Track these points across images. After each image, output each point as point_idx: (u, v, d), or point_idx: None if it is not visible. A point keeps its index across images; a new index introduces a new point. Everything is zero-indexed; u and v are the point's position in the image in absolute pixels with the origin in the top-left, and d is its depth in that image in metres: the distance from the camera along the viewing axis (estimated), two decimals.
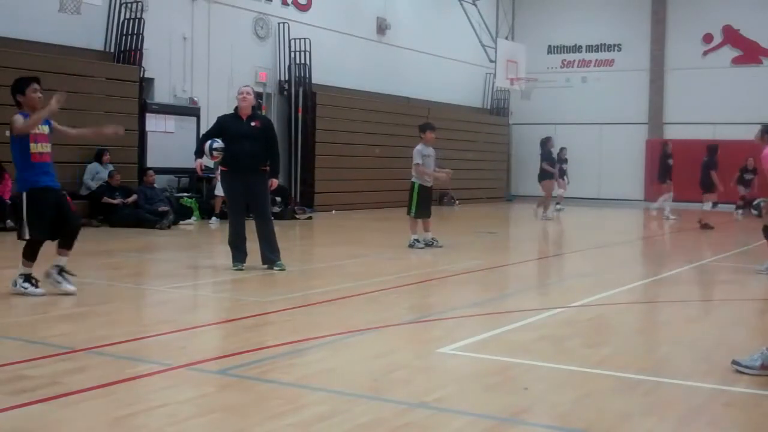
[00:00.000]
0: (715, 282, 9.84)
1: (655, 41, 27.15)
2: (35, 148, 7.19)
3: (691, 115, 26.24)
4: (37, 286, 7.28)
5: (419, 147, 11.98)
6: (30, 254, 7.31)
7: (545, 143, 19.28)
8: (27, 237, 7.26)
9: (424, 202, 11.91)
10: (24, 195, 7.24)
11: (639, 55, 27.37)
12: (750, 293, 8.95)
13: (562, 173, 21.63)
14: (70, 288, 7.31)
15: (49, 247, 7.49)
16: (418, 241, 11.78)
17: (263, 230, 9.20)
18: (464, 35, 25.14)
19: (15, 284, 7.29)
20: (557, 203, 21.18)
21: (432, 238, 11.95)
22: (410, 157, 24.23)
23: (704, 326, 6.94)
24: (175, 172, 16.91)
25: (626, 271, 11.17)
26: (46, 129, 7.35)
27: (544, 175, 19.00)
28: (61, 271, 7.35)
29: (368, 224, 17.23)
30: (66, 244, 7.39)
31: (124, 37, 15.67)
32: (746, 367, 5.06)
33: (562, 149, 21.95)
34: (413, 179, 11.96)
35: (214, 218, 15.64)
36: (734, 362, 5.15)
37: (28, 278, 7.29)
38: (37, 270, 7.35)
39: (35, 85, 7.34)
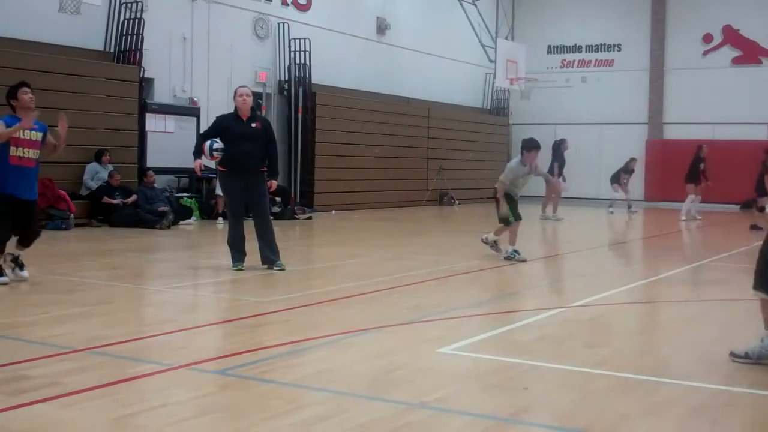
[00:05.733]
0: (715, 282, 9.83)
1: (655, 41, 27.15)
2: (15, 151, 7.56)
3: (691, 115, 26.24)
4: (2, 273, 7.72)
5: (514, 164, 10.73)
6: None
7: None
8: None
9: (514, 204, 10.77)
10: None
11: (639, 55, 27.37)
12: (750, 293, 8.93)
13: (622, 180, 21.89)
14: (23, 274, 7.82)
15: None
16: (517, 252, 10.63)
17: (263, 230, 9.20)
18: (464, 35, 25.14)
19: None
20: (629, 206, 21.47)
21: (514, 250, 10.72)
22: (410, 157, 24.40)
23: (704, 326, 6.94)
24: (175, 172, 16.90)
25: (626, 271, 11.18)
26: (36, 135, 7.70)
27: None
28: (15, 259, 7.81)
29: (368, 224, 17.23)
30: (23, 243, 7.89)
31: (124, 37, 15.67)
32: (748, 358, 5.30)
33: (632, 160, 21.99)
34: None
35: (220, 218, 15.58)
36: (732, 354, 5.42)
37: None
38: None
39: (25, 88, 7.77)
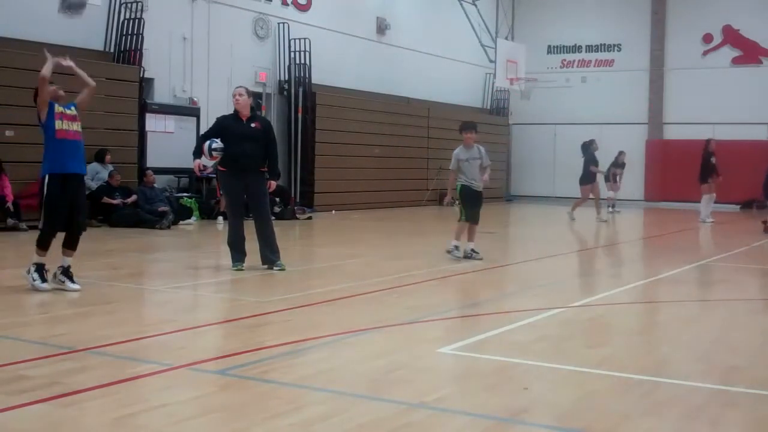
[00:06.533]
0: (715, 282, 9.84)
1: (655, 41, 27.15)
2: (60, 125, 7.54)
3: (691, 115, 26.24)
4: (45, 279, 7.50)
5: (457, 150, 10.82)
6: (43, 244, 7.55)
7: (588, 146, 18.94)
8: (41, 227, 7.53)
9: (471, 203, 10.65)
10: (46, 179, 7.51)
11: (639, 55, 27.37)
12: (750, 293, 8.95)
13: (615, 176, 21.62)
14: (75, 287, 7.53)
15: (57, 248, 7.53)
16: (457, 248, 10.56)
17: (263, 231, 9.20)
18: (464, 35, 25.15)
19: (28, 272, 7.55)
20: (612, 205, 21.24)
21: (472, 250, 10.64)
22: (410, 157, 24.41)
23: (704, 326, 6.94)
24: (175, 172, 16.90)
25: (626, 271, 11.17)
26: (72, 111, 7.71)
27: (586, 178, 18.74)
28: (65, 271, 7.58)
29: (368, 224, 17.23)
30: (69, 243, 7.65)
31: (124, 37, 15.67)
32: None
33: (621, 153, 21.88)
34: (458, 181, 10.83)
35: (220, 218, 15.58)
36: None
37: (39, 269, 7.52)
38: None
39: (53, 84, 7.76)
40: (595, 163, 18.86)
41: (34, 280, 7.48)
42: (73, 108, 7.72)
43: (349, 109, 20.84)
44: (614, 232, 17.31)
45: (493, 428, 4.03)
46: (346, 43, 21.57)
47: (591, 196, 18.74)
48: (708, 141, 19.11)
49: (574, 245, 14.55)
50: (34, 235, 7.78)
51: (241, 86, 9.46)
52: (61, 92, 7.69)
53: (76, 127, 7.65)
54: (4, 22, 13.92)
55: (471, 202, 10.65)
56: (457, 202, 11.11)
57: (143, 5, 15.69)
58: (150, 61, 16.16)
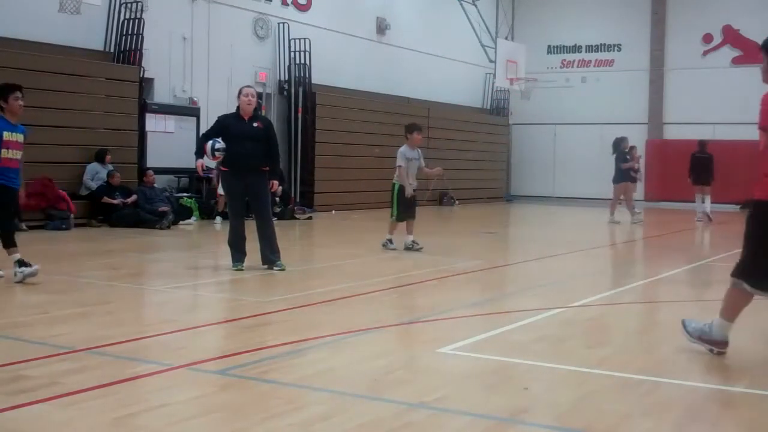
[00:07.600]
0: (715, 282, 9.82)
1: (655, 41, 27.16)
2: (6, 153, 7.88)
3: (691, 115, 26.24)
4: (30, 265, 7.90)
5: (403, 149, 11.53)
6: (9, 243, 7.98)
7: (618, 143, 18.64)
8: None
9: (404, 203, 11.37)
10: None
11: (639, 55, 27.38)
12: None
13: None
14: (30, 270, 7.85)
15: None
16: (390, 241, 11.43)
17: (263, 230, 9.20)
18: (464, 35, 25.15)
19: (15, 274, 7.87)
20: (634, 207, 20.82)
21: (413, 241, 11.39)
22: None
23: None
24: (175, 172, 16.91)
25: (626, 271, 11.18)
26: (19, 137, 8.00)
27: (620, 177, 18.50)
28: (20, 263, 7.92)
29: (368, 224, 17.22)
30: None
31: (124, 37, 15.67)
32: (688, 332, 5.60)
33: (632, 147, 21.22)
34: (394, 180, 11.49)
35: (218, 218, 15.61)
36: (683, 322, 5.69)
37: (20, 262, 7.90)
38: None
39: (17, 93, 7.97)
40: (624, 161, 18.69)
41: (24, 273, 7.80)
42: (21, 135, 7.98)
43: (349, 109, 20.83)
44: (614, 233, 17.31)
45: (493, 428, 4.03)
46: (346, 43, 21.57)
47: (622, 197, 18.58)
48: (706, 142, 19.19)
49: (573, 245, 14.54)
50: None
51: (251, 87, 9.43)
52: (21, 104, 7.92)
53: (19, 155, 7.97)
54: (4, 22, 13.92)
55: (406, 203, 11.32)
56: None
57: (143, 5, 15.69)
58: (150, 61, 16.16)
